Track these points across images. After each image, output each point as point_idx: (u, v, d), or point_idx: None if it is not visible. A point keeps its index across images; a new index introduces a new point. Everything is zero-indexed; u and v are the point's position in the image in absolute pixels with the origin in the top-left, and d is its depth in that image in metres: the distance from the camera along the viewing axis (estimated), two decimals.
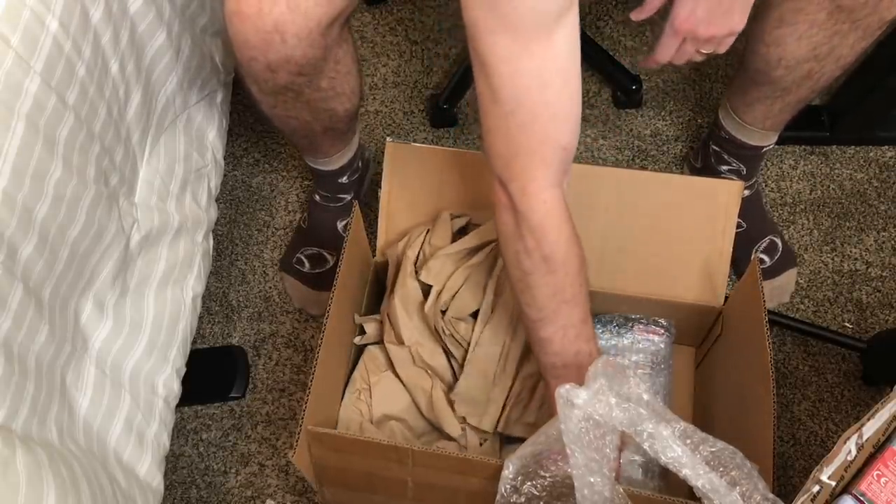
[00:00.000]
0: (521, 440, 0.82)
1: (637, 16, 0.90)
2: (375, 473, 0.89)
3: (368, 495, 0.95)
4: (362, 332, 1.04)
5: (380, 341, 1.03)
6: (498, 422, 0.97)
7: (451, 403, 0.97)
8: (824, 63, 0.96)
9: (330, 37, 0.87)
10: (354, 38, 1.03)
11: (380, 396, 0.99)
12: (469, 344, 0.99)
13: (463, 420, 0.97)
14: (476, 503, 0.86)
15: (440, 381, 0.98)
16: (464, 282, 1.00)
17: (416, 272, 1.01)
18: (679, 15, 0.84)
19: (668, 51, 0.88)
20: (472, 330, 1.00)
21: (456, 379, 0.98)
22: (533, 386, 0.97)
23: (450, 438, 0.98)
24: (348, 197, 1.22)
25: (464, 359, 0.99)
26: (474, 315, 1.01)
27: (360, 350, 1.09)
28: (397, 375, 0.99)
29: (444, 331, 0.99)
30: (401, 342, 0.98)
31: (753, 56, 1.01)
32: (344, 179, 1.20)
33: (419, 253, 1.02)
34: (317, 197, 1.23)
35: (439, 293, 1.00)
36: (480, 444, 0.97)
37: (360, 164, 1.22)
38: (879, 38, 0.95)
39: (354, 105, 1.03)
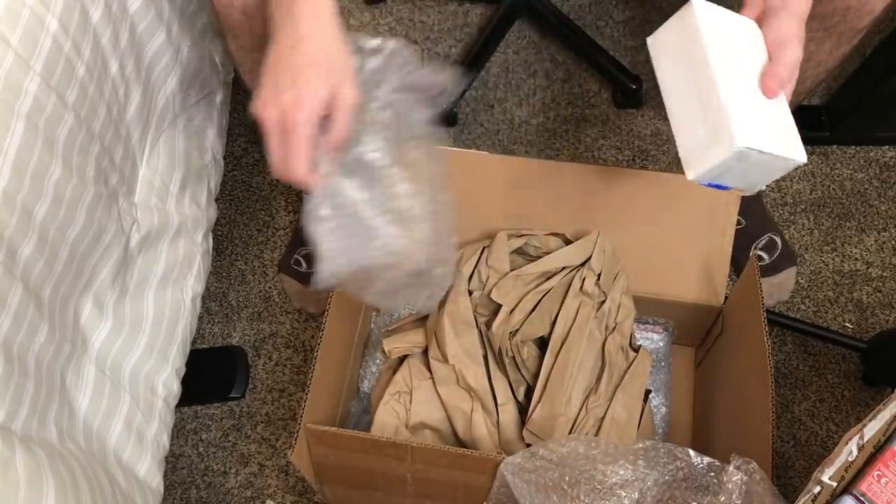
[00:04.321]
0: None
1: None
2: (375, 470, 0.89)
3: (368, 492, 0.95)
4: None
5: (402, 357, 1.02)
6: None
7: (517, 429, 0.96)
8: (805, 68, 0.96)
9: None
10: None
11: (419, 402, 0.97)
12: (528, 369, 0.97)
13: (499, 450, 0.95)
14: (475, 497, 0.87)
15: (481, 404, 0.96)
16: (534, 307, 0.99)
17: (469, 291, 1.00)
18: None
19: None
20: (537, 357, 0.98)
21: (496, 403, 0.96)
22: (600, 417, 0.96)
23: None
24: None
25: (520, 383, 0.98)
26: (535, 340, 1.00)
27: (364, 351, 1.09)
28: (437, 393, 0.98)
29: (507, 352, 0.97)
30: (445, 359, 0.97)
31: None
32: None
33: (473, 272, 1.01)
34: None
35: (510, 313, 0.98)
36: None
37: None
38: (864, 44, 0.95)
39: None
